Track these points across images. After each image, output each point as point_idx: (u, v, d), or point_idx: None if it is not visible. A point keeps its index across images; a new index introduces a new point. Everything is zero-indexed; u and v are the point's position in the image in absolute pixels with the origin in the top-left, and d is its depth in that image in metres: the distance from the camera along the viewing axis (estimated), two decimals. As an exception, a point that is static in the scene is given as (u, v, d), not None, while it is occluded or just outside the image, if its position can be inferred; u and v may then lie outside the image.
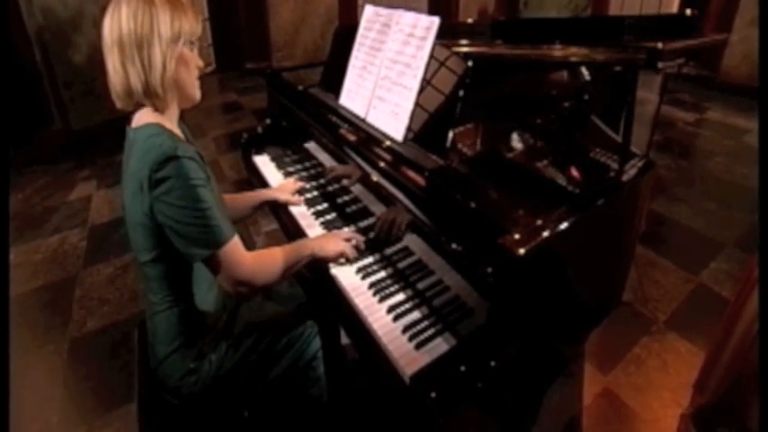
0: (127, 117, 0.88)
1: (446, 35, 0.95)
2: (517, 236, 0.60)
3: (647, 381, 1.56)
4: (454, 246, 0.68)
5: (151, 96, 0.80)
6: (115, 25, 0.77)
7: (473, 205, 0.69)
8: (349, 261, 0.94)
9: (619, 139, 0.97)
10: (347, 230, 1.03)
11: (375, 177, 0.90)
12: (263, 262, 0.86)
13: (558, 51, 0.89)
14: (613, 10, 4.95)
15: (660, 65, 0.77)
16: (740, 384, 1.35)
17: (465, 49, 1.07)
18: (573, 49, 0.88)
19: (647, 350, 1.68)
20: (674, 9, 4.81)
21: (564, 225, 0.65)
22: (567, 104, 1.09)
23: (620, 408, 1.47)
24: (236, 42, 4.96)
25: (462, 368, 0.62)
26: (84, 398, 1.48)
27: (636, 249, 1.09)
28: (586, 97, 1.02)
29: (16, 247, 2.25)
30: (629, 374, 1.59)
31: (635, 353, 1.67)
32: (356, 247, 0.96)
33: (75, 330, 1.75)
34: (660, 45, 0.76)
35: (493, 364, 0.61)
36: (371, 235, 0.96)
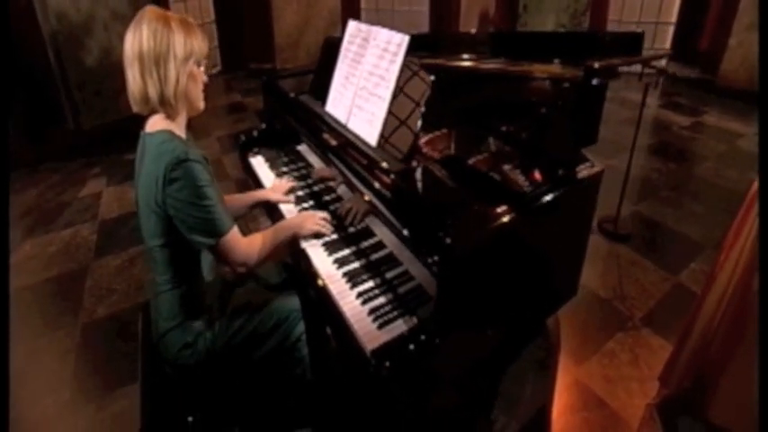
0: (135, 118, 1.01)
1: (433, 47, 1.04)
2: (456, 229, 0.71)
3: (618, 373, 1.65)
4: (406, 233, 0.79)
5: (165, 105, 0.94)
6: (136, 42, 0.90)
7: (425, 202, 0.80)
8: (324, 236, 1.10)
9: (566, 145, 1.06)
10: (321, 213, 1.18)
11: (351, 178, 1.01)
12: (256, 245, 1.01)
13: (514, 66, 0.99)
14: (612, 15, 4.98)
15: (595, 81, 0.86)
16: (702, 377, 1.43)
17: (429, 61, 1.17)
18: (525, 65, 0.98)
19: (620, 344, 1.77)
20: (674, 15, 4.84)
21: (501, 221, 0.75)
22: (532, 112, 1.19)
23: (590, 397, 1.56)
24: (241, 44, 5.09)
25: (411, 346, 0.73)
26: (94, 377, 1.61)
27: (587, 247, 1.18)
28: (544, 110, 1.11)
29: (32, 239, 2.40)
30: (602, 367, 1.67)
31: (609, 347, 1.76)
32: (325, 226, 1.12)
33: (85, 317, 1.88)
34: (596, 64, 0.85)
35: (437, 341, 0.71)
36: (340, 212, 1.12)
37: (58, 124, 3.32)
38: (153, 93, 0.92)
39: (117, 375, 1.60)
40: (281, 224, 1.13)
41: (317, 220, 1.12)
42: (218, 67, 5.17)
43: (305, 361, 1.16)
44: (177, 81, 0.92)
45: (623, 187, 2.38)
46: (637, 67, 2.82)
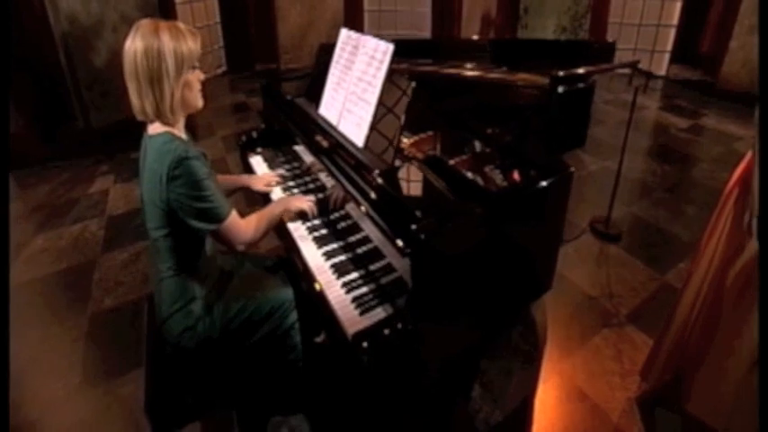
0: (141, 121, 1.09)
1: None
2: (427, 224, 0.78)
3: (601, 367, 1.71)
4: (384, 226, 0.87)
5: (161, 118, 1.02)
6: (130, 60, 0.97)
7: (404, 199, 0.88)
8: (310, 217, 1.23)
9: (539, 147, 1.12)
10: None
11: (338, 176, 1.09)
12: (252, 224, 1.12)
13: (489, 74, 1.05)
14: (613, 17, 5.01)
15: (560, 89, 0.92)
16: (680, 372, 1.49)
17: (409, 68, 1.23)
18: (499, 72, 1.05)
19: (605, 340, 1.83)
20: (676, 18, 4.85)
21: (469, 217, 0.82)
22: (512, 116, 1.26)
23: (573, 390, 1.62)
24: (247, 45, 5.18)
25: (386, 331, 0.81)
26: (102, 363, 1.71)
27: (559, 244, 1.24)
28: (523, 115, 1.17)
29: (43, 233, 2.51)
30: (586, 361, 1.73)
31: (594, 342, 1.82)
32: (311, 207, 1.24)
33: (93, 307, 1.98)
34: (561, 73, 0.92)
35: (410, 327, 0.79)
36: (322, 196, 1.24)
37: (68, 123, 3.43)
38: (150, 110, 1.00)
39: (123, 361, 1.69)
40: (272, 204, 1.23)
41: (306, 201, 1.24)
42: (224, 68, 5.27)
43: (297, 348, 1.24)
44: (172, 96, 0.99)
45: (614, 188, 2.43)
46: (627, 71, 2.85)
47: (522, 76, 1.01)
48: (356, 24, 5.22)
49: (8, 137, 2.93)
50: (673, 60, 5.06)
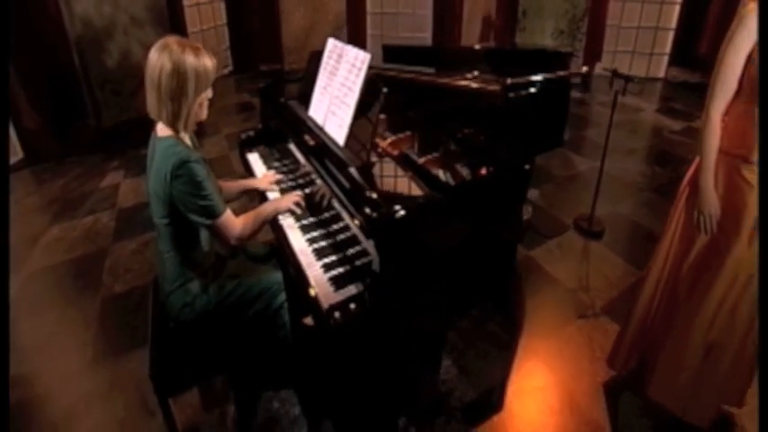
0: (150, 119, 1.22)
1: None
2: (383, 210, 0.92)
3: (572, 354, 1.82)
4: (354, 212, 1.00)
5: (173, 126, 1.16)
6: (155, 73, 1.09)
7: (375, 191, 1.02)
8: (299, 213, 1.36)
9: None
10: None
11: (321, 171, 1.23)
12: (245, 222, 1.25)
13: (448, 80, 1.17)
14: (611, 20, 5.06)
15: (512, 95, 1.05)
16: (643, 360, 1.59)
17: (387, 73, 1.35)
18: (460, 78, 1.16)
19: (578, 329, 1.94)
20: (674, 21, 4.89)
21: (426, 205, 0.95)
22: (481, 118, 1.38)
23: (544, 373, 1.74)
24: (252, 46, 5.34)
25: (352, 305, 0.95)
26: (112, 341, 1.87)
27: (520, 234, 1.35)
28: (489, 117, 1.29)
29: (58, 224, 2.68)
30: (559, 348, 1.85)
31: (568, 331, 1.93)
32: (299, 205, 1.37)
33: (105, 292, 2.14)
34: (509, 80, 1.04)
35: (374, 301, 0.92)
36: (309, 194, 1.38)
37: (81, 121, 3.61)
38: (165, 117, 1.15)
39: (131, 340, 1.85)
40: (264, 204, 1.37)
41: (293, 199, 1.37)
42: (230, 68, 5.43)
43: (286, 327, 1.38)
44: (188, 113, 1.14)
45: (597, 187, 2.53)
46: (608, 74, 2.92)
47: (480, 85, 1.13)
48: (359, 27, 5.34)
49: (8, 137, 3.10)
50: (671, 63, 5.11)
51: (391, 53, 1.89)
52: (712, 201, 1.26)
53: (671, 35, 4.97)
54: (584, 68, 4.88)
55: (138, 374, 1.67)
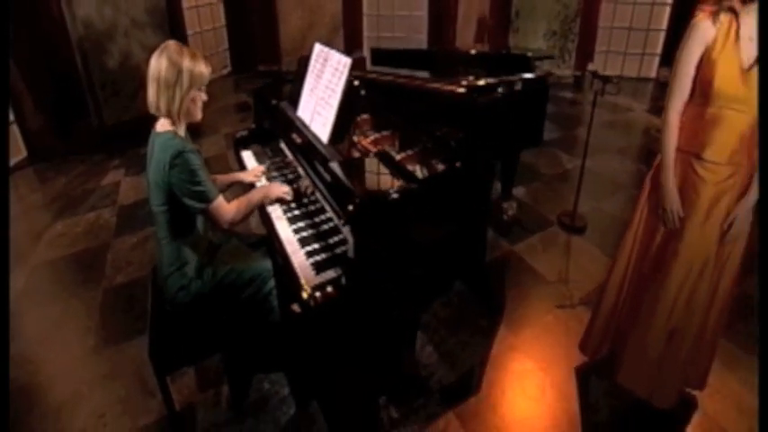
0: (149, 116, 1.34)
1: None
2: (357, 201, 1.02)
3: (549, 342, 1.91)
4: (333, 203, 1.10)
5: (170, 116, 1.29)
6: (156, 68, 1.24)
7: (352, 184, 1.12)
8: (288, 201, 1.46)
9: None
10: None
11: (306, 166, 1.33)
12: (234, 208, 1.36)
13: (420, 82, 1.27)
14: (603, 21, 5.15)
15: (478, 96, 1.15)
16: (613, 345, 1.68)
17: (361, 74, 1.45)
18: (430, 81, 1.26)
19: (556, 319, 2.04)
20: (665, 22, 4.98)
21: (395, 196, 1.06)
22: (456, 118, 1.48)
23: (521, 359, 1.83)
24: (250, 47, 5.44)
25: (329, 288, 1.06)
26: (114, 329, 1.97)
27: (486, 223, 1.45)
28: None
29: (62, 220, 2.79)
30: (535, 335, 1.95)
31: (545, 319, 2.03)
32: (287, 194, 1.48)
33: (107, 283, 2.25)
34: (469, 84, 1.14)
35: (350, 284, 1.03)
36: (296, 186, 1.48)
37: (83, 121, 3.72)
38: (162, 107, 1.27)
39: (131, 328, 1.96)
40: (253, 191, 1.48)
41: (282, 188, 1.48)
42: (228, 68, 5.53)
43: (275, 311, 1.48)
44: (181, 103, 1.27)
45: (579, 184, 2.62)
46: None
47: (448, 87, 1.23)
48: (355, 28, 5.43)
49: (7, 137, 3.20)
50: (662, 63, 5.19)
51: (379, 56, 2.00)
52: (673, 196, 1.34)
53: (662, 36, 5.06)
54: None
55: (139, 360, 1.77)
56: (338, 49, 1.40)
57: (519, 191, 3.02)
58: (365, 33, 5.52)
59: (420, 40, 5.49)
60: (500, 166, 2.57)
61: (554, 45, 5.31)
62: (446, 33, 5.44)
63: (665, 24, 5.04)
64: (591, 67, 2.62)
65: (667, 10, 5.00)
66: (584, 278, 2.27)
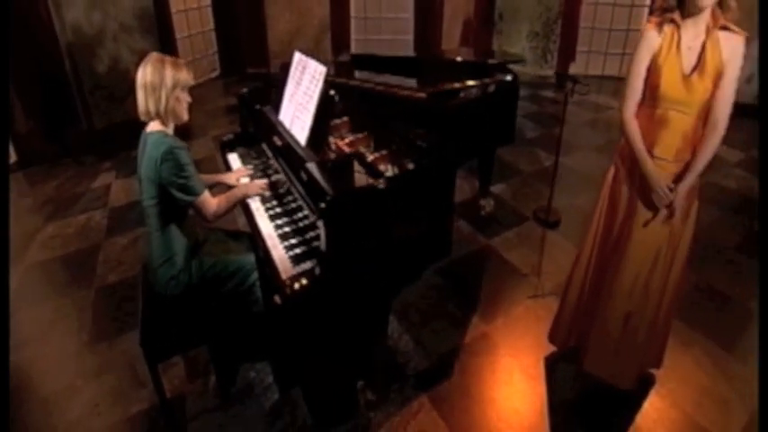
0: (138, 119, 1.44)
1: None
2: (329, 198, 1.13)
3: (519, 330, 2.02)
4: (309, 200, 1.20)
5: (159, 117, 1.40)
6: (141, 75, 1.36)
7: (327, 182, 1.23)
8: (267, 195, 1.60)
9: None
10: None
11: (284, 167, 1.43)
12: (219, 202, 1.48)
13: (384, 87, 1.37)
14: (584, 22, 5.30)
15: (444, 100, 1.26)
16: (580, 334, 1.79)
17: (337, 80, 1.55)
18: (394, 86, 1.36)
19: (526, 308, 2.15)
20: (643, 23, 5.14)
21: (361, 193, 1.16)
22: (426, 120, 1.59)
23: (492, 347, 1.94)
24: (238, 50, 5.50)
25: (304, 280, 1.16)
26: (106, 325, 2.06)
27: (450, 219, 1.56)
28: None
29: (53, 223, 2.85)
30: (507, 325, 2.05)
31: (517, 310, 2.14)
32: (264, 190, 1.60)
33: (99, 282, 2.33)
34: (431, 90, 1.25)
35: (323, 276, 1.14)
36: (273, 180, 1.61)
37: (73, 125, 3.76)
38: (152, 109, 1.39)
39: (123, 324, 2.04)
40: (235, 188, 1.60)
41: (260, 185, 1.60)
42: (217, 71, 5.58)
43: (259, 302, 1.58)
44: (167, 102, 1.38)
45: (552, 180, 2.74)
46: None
47: (410, 92, 1.34)
48: (343, 30, 5.52)
49: (8, 137, 3.25)
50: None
51: (358, 61, 2.10)
52: (656, 177, 1.39)
53: (640, 37, 5.21)
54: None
55: (130, 353, 1.86)
56: (324, 53, 1.51)
57: (498, 187, 3.14)
58: (353, 36, 5.61)
59: (406, 42, 5.59)
60: (477, 164, 2.69)
61: (536, 46, 5.46)
62: (432, 35, 5.55)
63: (643, 25, 5.19)
64: (572, 68, 2.74)
65: (645, 11, 5.16)
66: (557, 270, 2.38)
